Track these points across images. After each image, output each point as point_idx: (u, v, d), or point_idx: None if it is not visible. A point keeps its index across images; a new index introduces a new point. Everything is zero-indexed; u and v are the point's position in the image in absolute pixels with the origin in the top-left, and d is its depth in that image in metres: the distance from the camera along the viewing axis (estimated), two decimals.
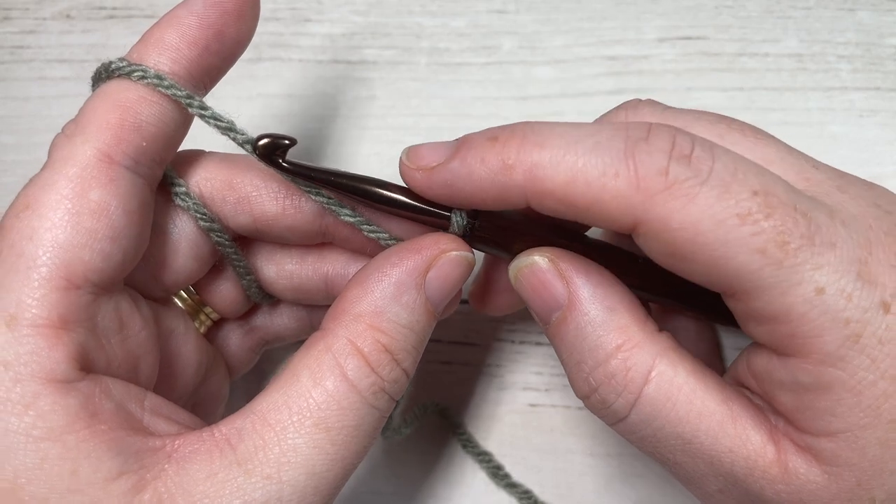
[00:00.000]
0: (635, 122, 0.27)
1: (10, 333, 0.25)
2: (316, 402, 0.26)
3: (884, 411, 0.24)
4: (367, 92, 0.46)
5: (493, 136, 0.27)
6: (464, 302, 0.35)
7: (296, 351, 0.28)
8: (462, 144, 0.27)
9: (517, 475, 0.40)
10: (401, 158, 0.29)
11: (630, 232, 0.26)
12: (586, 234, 0.32)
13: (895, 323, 0.24)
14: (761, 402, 0.28)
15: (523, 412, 0.41)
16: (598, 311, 0.28)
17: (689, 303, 0.32)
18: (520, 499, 0.39)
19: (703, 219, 0.24)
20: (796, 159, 0.28)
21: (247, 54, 0.34)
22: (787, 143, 0.44)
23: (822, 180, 0.27)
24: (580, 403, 0.41)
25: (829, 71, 0.45)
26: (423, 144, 0.28)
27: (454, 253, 0.29)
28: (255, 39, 0.47)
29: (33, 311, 0.25)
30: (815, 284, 0.24)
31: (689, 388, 0.27)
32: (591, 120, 0.45)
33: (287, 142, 0.28)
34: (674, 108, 0.31)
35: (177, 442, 0.26)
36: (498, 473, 0.40)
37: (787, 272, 0.24)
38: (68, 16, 0.47)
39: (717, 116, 0.30)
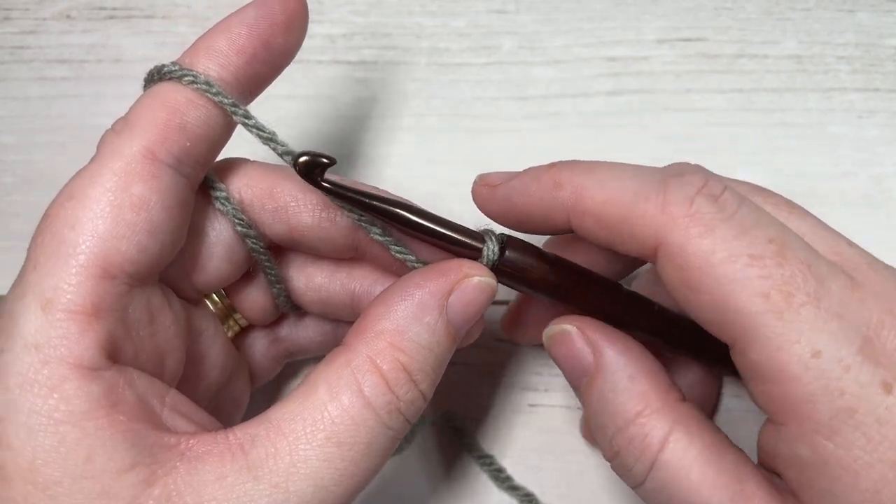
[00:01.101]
0: (676, 163, 0.29)
1: (45, 317, 0.25)
2: (330, 415, 0.27)
3: (884, 498, 0.24)
4: (367, 92, 0.46)
5: (552, 163, 0.30)
6: None
7: (316, 364, 0.28)
8: (524, 170, 0.31)
9: (517, 476, 0.40)
10: (474, 181, 0.32)
11: (651, 256, 0.27)
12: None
13: None
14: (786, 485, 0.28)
15: (523, 412, 0.41)
16: (620, 378, 0.29)
17: (705, 355, 0.33)
18: (521, 501, 0.39)
19: (717, 251, 0.25)
20: (830, 234, 0.29)
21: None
22: (787, 143, 0.44)
23: (853, 256, 0.28)
24: (580, 403, 0.41)
25: (829, 72, 0.45)
26: (495, 172, 0.32)
27: (477, 278, 0.29)
28: None
29: (68, 296, 0.26)
30: (813, 346, 0.24)
31: (703, 459, 0.27)
32: (590, 119, 0.45)
33: (326, 160, 0.28)
34: (715, 174, 0.32)
35: (191, 441, 0.26)
36: (500, 476, 0.40)
37: (787, 326, 0.24)
38: (68, 16, 0.47)
39: (754, 187, 0.31)
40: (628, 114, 0.45)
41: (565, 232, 0.30)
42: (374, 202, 0.29)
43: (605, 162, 0.29)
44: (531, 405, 0.41)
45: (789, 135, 0.45)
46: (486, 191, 0.31)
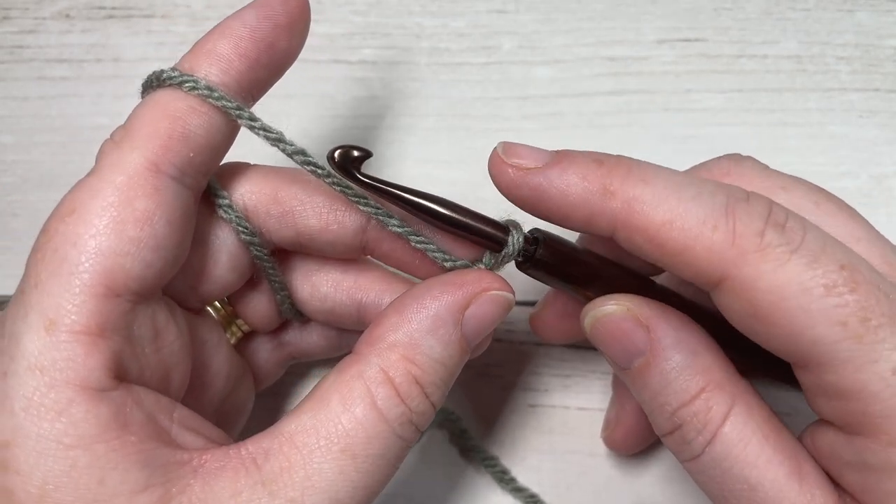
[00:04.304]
0: (735, 185, 0.28)
1: (49, 338, 0.25)
2: (344, 427, 0.26)
3: None
4: (367, 92, 0.46)
5: (599, 159, 0.27)
6: None
7: (321, 367, 0.28)
8: (564, 157, 0.28)
9: (516, 476, 0.40)
10: (494, 150, 0.28)
11: (711, 286, 0.26)
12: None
13: None
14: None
15: (523, 412, 0.41)
16: (681, 356, 0.28)
17: (748, 359, 0.33)
18: (525, 502, 0.39)
19: (791, 284, 0.25)
20: (882, 244, 0.29)
21: None
22: (787, 143, 0.44)
23: None
24: (580, 403, 0.41)
25: (828, 72, 0.45)
26: (520, 144, 0.28)
27: (496, 292, 0.29)
28: None
29: (72, 317, 0.25)
30: (893, 364, 0.24)
31: (762, 434, 0.27)
32: (591, 120, 0.45)
33: (359, 153, 0.28)
34: (773, 169, 0.31)
35: (204, 457, 0.26)
36: (504, 478, 0.39)
37: (866, 348, 0.24)
38: (68, 16, 0.47)
39: (813, 186, 0.30)
40: (628, 114, 0.45)
41: (602, 236, 0.28)
42: (408, 196, 0.29)
43: (660, 170, 0.27)
44: (531, 405, 0.41)
45: (789, 135, 0.45)
46: (513, 173, 0.28)
